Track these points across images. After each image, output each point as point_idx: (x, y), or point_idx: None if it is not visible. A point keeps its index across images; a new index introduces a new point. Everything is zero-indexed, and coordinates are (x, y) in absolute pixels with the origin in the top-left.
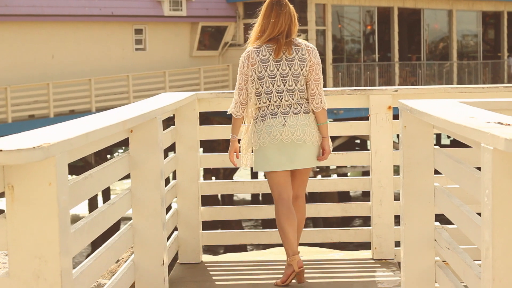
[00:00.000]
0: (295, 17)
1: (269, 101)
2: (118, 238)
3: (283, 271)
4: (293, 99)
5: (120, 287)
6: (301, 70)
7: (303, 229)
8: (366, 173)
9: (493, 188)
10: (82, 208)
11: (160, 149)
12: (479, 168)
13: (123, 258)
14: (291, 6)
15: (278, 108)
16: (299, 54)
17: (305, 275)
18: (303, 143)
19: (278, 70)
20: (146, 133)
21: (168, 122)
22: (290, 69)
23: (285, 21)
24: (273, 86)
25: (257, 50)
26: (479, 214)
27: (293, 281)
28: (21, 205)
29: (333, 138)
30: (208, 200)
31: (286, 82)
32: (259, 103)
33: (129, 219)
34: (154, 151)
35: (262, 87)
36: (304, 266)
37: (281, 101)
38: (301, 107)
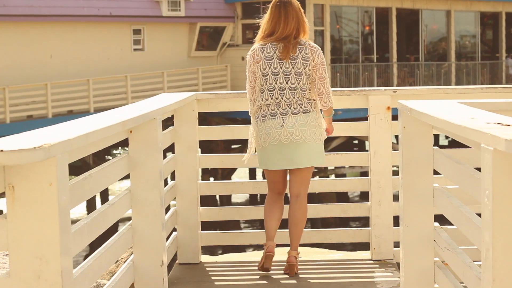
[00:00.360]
0: (303, 16)
1: (271, 98)
2: (118, 239)
3: (281, 272)
4: (293, 97)
5: (119, 287)
6: (304, 68)
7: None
8: (364, 173)
9: (494, 189)
10: (75, 210)
11: (159, 150)
12: (478, 169)
13: (122, 259)
14: (296, 4)
15: (278, 108)
16: (302, 53)
17: (305, 276)
18: (302, 142)
19: (281, 68)
20: (145, 133)
21: (166, 122)
22: (293, 67)
23: (294, 24)
24: (275, 83)
25: (262, 48)
26: (479, 214)
27: (294, 281)
28: (21, 205)
29: (332, 139)
30: (206, 201)
31: (288, 80)
32: (261, 100)
33: (126, 219)
34: (153, 152)
35: (266, 84)
36: (304, 267)
37: (282, 98)
38: (300, 107)
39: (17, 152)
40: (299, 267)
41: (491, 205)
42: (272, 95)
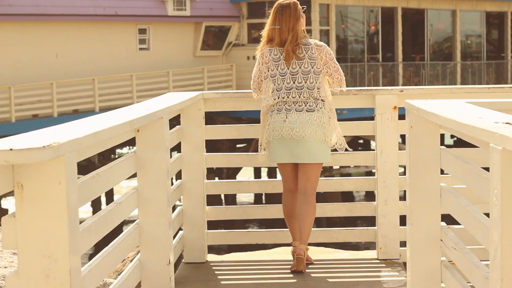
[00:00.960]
0: (300, 18)
1: (278, 98)
2: (125, 237)
3: (288, 271)
4: (299, 96)
5: (126, 286)
6: (312, 68)
7: None
8: (369, 173)
9: (502, 188)
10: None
11: (166, 149)
12: (485, 168)
13: (128, 257)
14: (294, 7)
15: (284, 105)
16: (308, 53)
17: (311, 275)
18: (302, 139)
19: (288, 68)
20: (152, 132)
21: (172, 122)
22: (300, 67)
23: (289, 29)
24: (283, 83)
25: (270, 50)
26: (486, 214)
27: (300, 280)
28: (30, 204)
29: None
30: (211, 200)
31: (295, 80)
32: (271, 100)
33: (130, 222)
34: (160, 151)
35: (274, 84)
36: (310, 266)
37: (288, 97)
38: (305, 105)
39: (26, 151)
40: (306, 265)
41: (499, 204)
42: (279, 95)
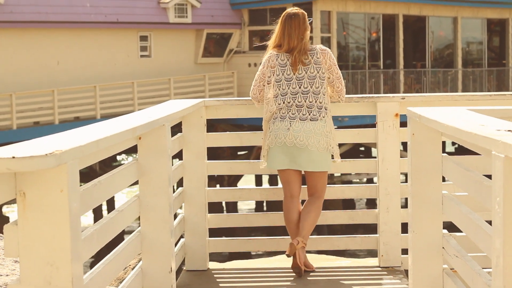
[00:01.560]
0: (306, 27)
1: (283, 102)
2: (126, 245)
3: (289, 278)
4: (305, 101)
5: None
6: (318, 72)
7: (310, 236)
8: (369, 180)
9: (505, 196)
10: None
11: (168, 156)
12: (487, 176)
13: (130, 265)
14: (302, 16)
15: (288, 112)
16: (314, 58)
17: (313, 283)
18: (305, 148)
19: (294, 74)
20: (154, 140)
21: (174, 129)
22: (306, 73)
23: (297, 38)
24: (288, 88)
25: (277, 55)
26: (488, 221)
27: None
28: (32, 211)
29: (339, 145)
30: (212, 208)
31: (301, 85)
32: (275, 106)
33: (128, 233)
34: (162, 158)
35: (279, 89)
36: (312, 273)
37: (294, 102)
38: (309, 114)
39: (28, 159)
40: (306, 272)
41: (502, 212)
42: (285, 100)
